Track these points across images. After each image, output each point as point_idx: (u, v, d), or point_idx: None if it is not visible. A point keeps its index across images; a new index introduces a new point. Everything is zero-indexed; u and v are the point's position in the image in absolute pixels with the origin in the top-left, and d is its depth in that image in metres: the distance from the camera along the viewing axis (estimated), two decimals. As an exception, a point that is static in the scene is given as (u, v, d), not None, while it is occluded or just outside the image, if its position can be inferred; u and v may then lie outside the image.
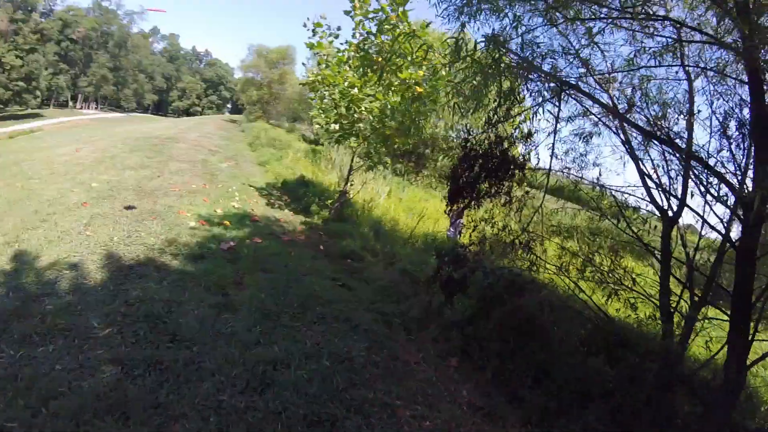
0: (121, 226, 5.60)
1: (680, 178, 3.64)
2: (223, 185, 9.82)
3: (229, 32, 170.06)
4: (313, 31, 7.49)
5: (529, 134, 3.93)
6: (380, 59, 7.16)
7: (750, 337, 2.88)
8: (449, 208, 4.31)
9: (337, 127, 7.67)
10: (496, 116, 3.74)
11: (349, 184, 8.79)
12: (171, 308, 3.58)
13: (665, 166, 3.72)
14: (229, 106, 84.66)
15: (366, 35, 7.04)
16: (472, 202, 4.01)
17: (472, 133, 4.37)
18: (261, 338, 3.40)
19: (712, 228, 3.42)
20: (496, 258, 4.03)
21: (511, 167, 3.82)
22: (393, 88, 7.04)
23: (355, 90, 7.21)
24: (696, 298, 3.46)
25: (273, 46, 31.87)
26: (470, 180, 3.92)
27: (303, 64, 9.26)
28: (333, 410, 2.70)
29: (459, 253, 4.12)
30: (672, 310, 3.48)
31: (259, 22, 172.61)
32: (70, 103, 66.94)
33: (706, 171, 3.33)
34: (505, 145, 3.88)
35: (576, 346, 3.67)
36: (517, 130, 4.15)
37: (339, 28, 7.66)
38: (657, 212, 3.78)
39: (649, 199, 3.81)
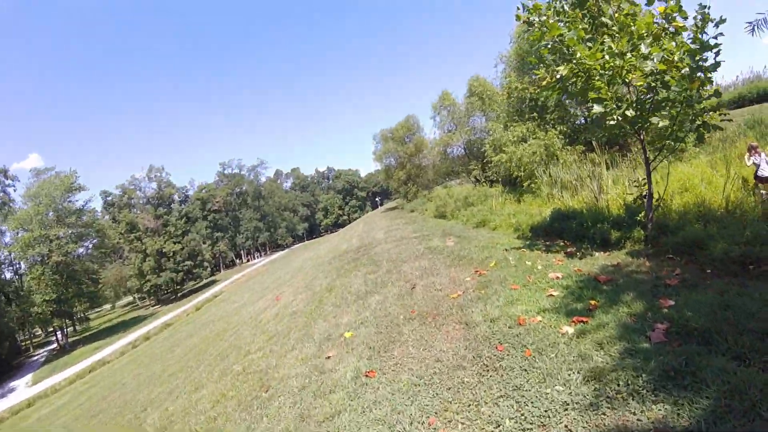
0: (490, 392, 3.13)
1: None
2: (493, 262, 6.69)
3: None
4: (527, 22, 6.06)
5: None
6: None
7: None
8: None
9: (631, 112, 5.60)
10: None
11: (650, 184, 6.48)
12: None
13: None
14: (377, 199, 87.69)
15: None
16: None
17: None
18: None
19: None
20: None
21: None
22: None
23: (629, 55, 5.40)
24: None
25: (391, 125, 30.88)
26: None
27: (536, 62, 5.68)
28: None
29: None
30: None
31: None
32: (236, 261, 76.11)
33: None
34: None
35: None
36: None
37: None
38: None
39: None
